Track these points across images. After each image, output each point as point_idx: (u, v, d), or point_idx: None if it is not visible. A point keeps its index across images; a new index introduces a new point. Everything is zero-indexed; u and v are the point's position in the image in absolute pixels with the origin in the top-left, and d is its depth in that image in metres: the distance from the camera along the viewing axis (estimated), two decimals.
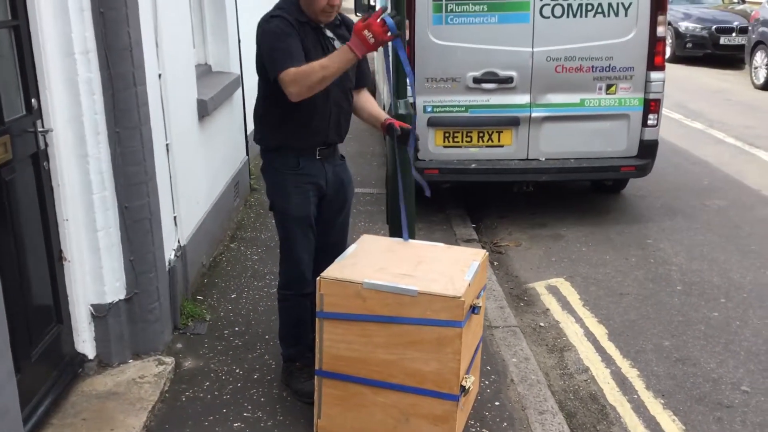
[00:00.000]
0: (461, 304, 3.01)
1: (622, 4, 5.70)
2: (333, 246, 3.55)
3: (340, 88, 3.32)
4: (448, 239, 5.54)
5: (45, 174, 3.34)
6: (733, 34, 14.53)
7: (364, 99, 3.59)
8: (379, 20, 2.94)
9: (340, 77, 3.16)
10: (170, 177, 4.21)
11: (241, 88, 6.25)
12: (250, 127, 6.85)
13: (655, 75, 5.86)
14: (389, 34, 2.97)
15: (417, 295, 3.04)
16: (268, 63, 3.17)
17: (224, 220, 5.61)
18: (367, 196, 6.66)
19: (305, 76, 3.03)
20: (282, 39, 3.13)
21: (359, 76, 3.51)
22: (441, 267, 3.28)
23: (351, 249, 3.51)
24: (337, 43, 3.30)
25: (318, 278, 3.17)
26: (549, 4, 5.67)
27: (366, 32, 2.96)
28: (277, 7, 3.25)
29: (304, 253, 3.48)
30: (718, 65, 14.71)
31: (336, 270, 3.21)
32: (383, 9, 3.11)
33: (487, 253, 3.52)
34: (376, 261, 3.28)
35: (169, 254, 4.13)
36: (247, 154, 6.63)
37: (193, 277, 4.64)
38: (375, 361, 3.18)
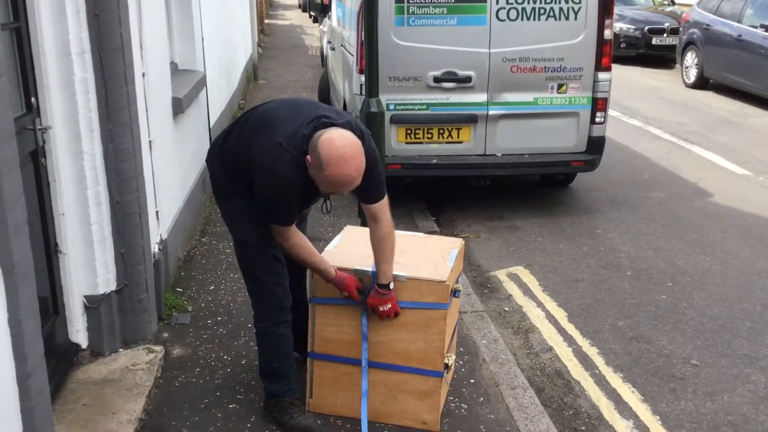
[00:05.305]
0: (446, 288, 3.28)
1: (572, 8, 6.05)
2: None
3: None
4: (411, 231, 5.78)
5: (43, 170, 3.46)
6: (665, 35, 15.19)
7: (375, 239, 3.27)
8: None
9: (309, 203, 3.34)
10: (153, 173, 4.35)
11: (205, 86, 6.38)
12: (212, 121, 7.01)
13: (602, 75, 6.25)
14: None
15: (405, 281, 3.29)
16: (263, 207, 3.14)
17: (195, 216, 5.75)
18: None
19: (294, 246, 3.18)
20: (285, 200, 3.08)
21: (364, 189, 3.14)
22: (424, 254, 3.53)
23: (337, 239, 3.73)
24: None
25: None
26: (504, 8, 5.97)
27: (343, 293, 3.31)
28: (285, 160, 2.96)
29: (267, 274, 3.33)
30: (650, 65, 15.35)
31: (326, 258, 3.42)
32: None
33: (464, 242, 3.79)
34: (362, 250, 3.47)
35: (154, 247, 4.27)
36: None
37: (171, 270, 4.78)
38: None
